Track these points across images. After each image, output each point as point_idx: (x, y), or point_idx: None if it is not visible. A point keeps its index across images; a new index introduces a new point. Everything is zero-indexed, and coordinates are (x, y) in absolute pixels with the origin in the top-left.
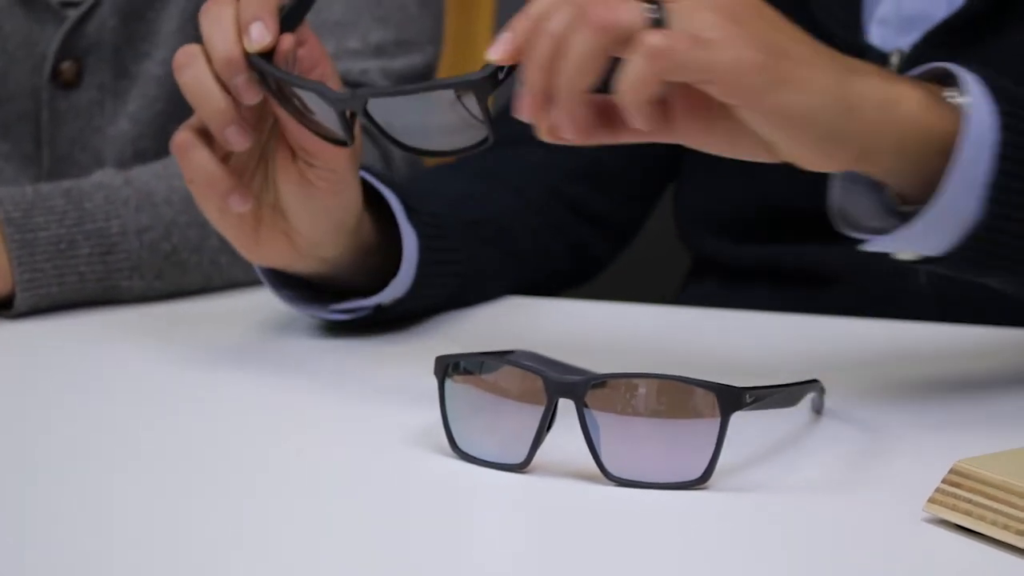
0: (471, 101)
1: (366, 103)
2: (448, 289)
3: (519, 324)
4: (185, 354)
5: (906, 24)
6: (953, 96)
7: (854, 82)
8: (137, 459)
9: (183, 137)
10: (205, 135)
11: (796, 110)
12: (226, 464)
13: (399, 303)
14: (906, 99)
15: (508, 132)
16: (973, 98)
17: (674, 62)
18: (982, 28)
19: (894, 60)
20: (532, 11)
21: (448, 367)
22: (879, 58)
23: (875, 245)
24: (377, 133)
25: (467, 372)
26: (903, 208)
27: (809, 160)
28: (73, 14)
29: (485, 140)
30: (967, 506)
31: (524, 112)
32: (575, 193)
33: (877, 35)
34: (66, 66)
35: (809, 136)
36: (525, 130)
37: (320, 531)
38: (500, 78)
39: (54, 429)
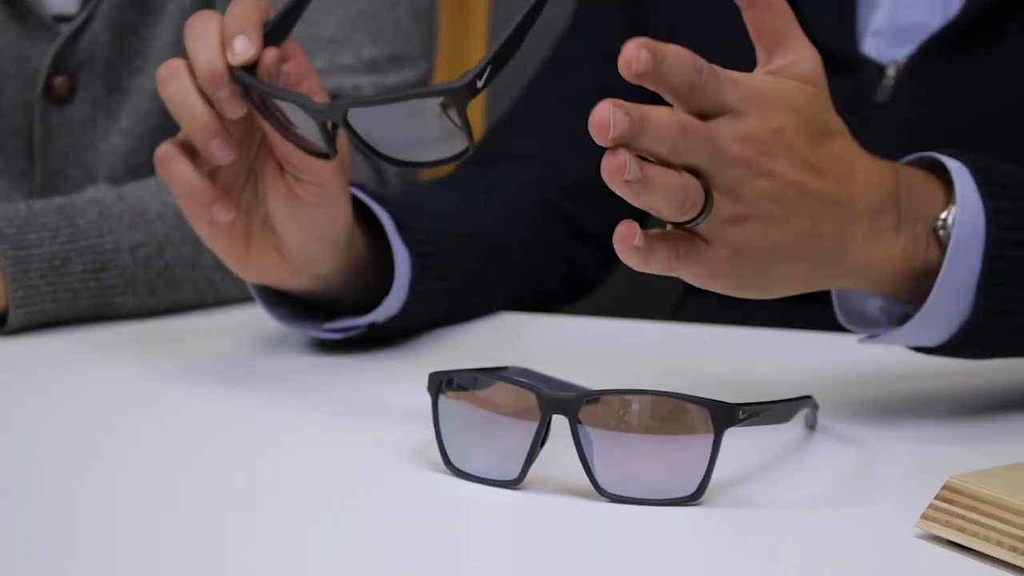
0: (451, 110)
1: (346, 113)
2: (442, 306)
3: (513, 340)
4: (178, 371)
5: (901, 35)
6: (944, 226)
7: (830, 259)
8: (129, 476)
9: (165, 150)
10: (189, 149)
11: (757, 295)
12: (219, 481)
13: (393, 321)
14: (875, 265)
15: (502, 148)
16: (961, 200)
17: (646, 265)
18: (977, 38)
19: (890, 72)
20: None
21: (442, 383)
22: (875, 69)
23: (873, 342)
24: (360, 145)
25: (461, 388)
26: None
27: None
28: (66, 29)
29: (466, 150)
30: (960, 522)
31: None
32: (569, 210)
33: (872, 46)
34: (59, 81)
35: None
36: (519, 146)
37: (313, 548)
38: (479, 86)
39: (47, 446)
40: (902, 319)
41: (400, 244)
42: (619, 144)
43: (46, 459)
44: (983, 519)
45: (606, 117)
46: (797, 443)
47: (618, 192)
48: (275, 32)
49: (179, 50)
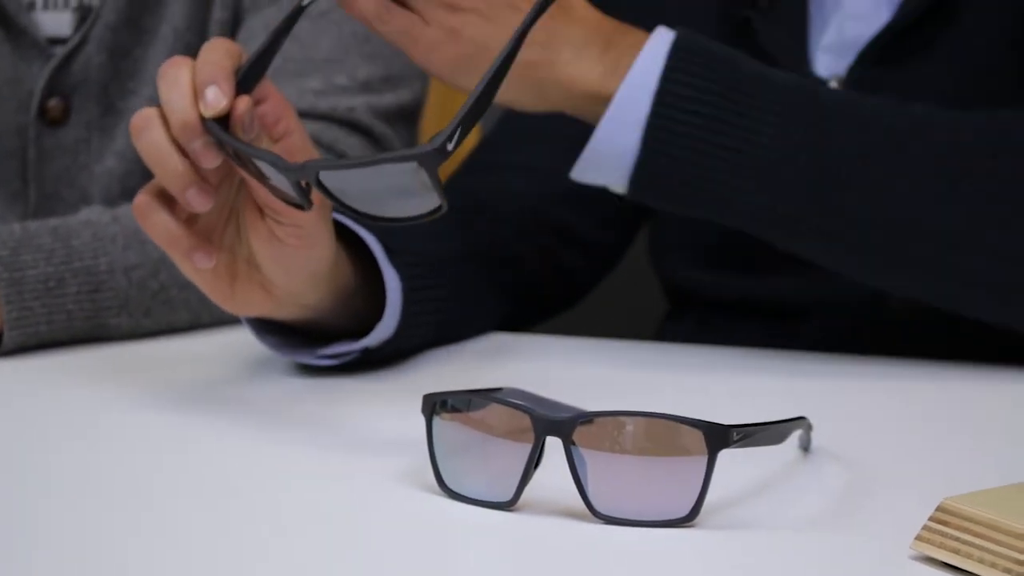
0: (422, 171)
1: (318, 175)
2: (434, 328)
3: (507, 361)
4: (173, 394)
5: (846, 49)
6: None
7: (541, 64)
8: (121, 500)
9: (142, 200)
10: (166, 197)
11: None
12: (212, 505)
13: (386, 344)
14: (579, 80)
15: (491, 159)
16: (647, 51)
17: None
18: (910, 47)
19: (832, 85)
20: None
21: (436, 405)
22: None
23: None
24: (332, 201)
25: (455, 410)
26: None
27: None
28: (60, 51)
29: (439, 208)
30: (954, 544)
31: None
32: (558, 217)
33: (822, 63)
34: (53, 103)
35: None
36: (508, 157)
37: (308, 571)
38: (449, 150)
39: (40, 469)
40: None
41: (390, 269)
42: None
43: (38, 482)
44: (977, 540)
45: None
46: (791, 464)
47: None
48: (248, 76)
49: None
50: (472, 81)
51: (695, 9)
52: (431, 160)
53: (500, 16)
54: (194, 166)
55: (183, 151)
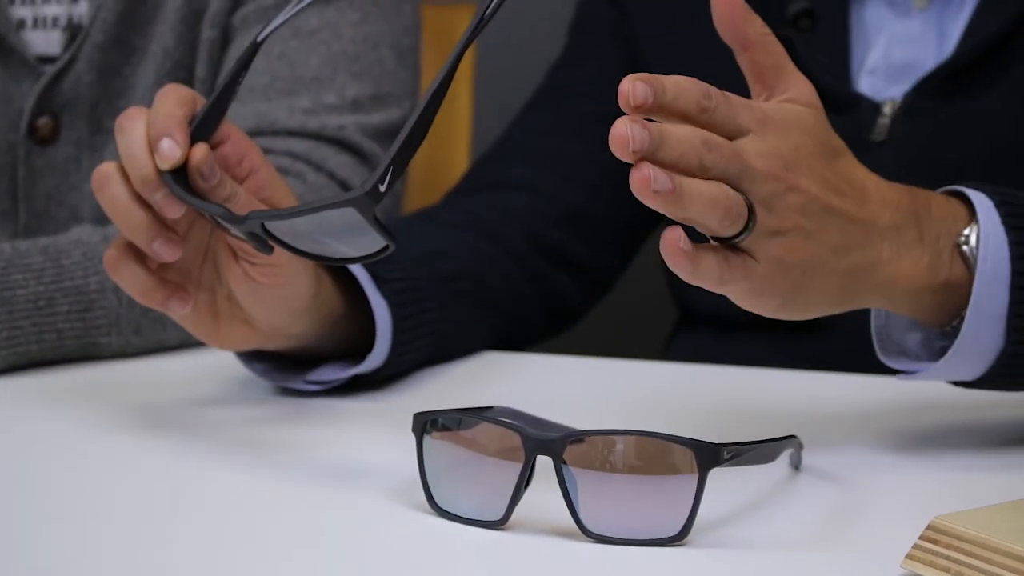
0: (359, 215)
1: (263, 225)
2: (426, 351)
3: (498, 380)
4: (164, 413)
5: (896, 73)
6: (966, 241)
7: (861, 268)
8: (111, 519)
9: (111, 255)
10: (134, 248)
11: (799, 312)
12: (202, 524)
13: (376, 372)
14: (903, 278)
15: (490, 176)
16: (984, 230)
17: (695, 279)
18: (972, 77)
19: (886, 110)
20: (672, 98)
21: (426, 424)
22: (871, 107)
23: (912, 378)
24: (283, 248)
25: (445, 429)
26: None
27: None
28: (50, 70)
29: (386, 248)
30: (944, 562)
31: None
32: (555, 239)
33: (867, 85)
34: (43, 122)
35: (806, 315)
36: (507, 174)
37: None
38: (381, 191)
39: (31, 485)
40: (941, 354)
41: (378, 297)
42: (641, 158)
43: (28, 501)
44: (967, 559)
45: (624, 132)
46: (782, 483)
47: (652, 205)
48: (207, 120)
49: None
50: (796, 310)
51: None
52: (364, 204)
53: (822, 226)
54: (158, 217)
55: (146, 204)
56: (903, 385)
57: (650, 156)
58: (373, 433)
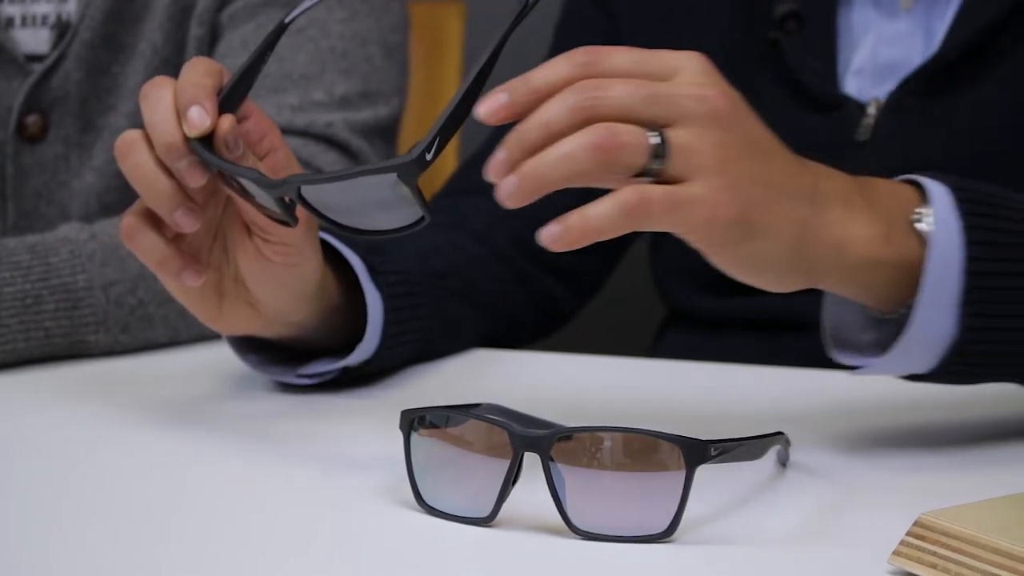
0: (402, 183)
1: (299, 189)
2: (415, 346)
3: (486, 377)
4: (151, 412)
5: (882, 73)
6: (919, 219)
7: (813, 223)
8: (98, 515)
9: (128, 222)
10: (151, 217)
11: (757, 260)
12: (190, 522)
13: (366, 364)
14: (857, 240)
15: (476, 180)
16: (938, 216)
17: (647, 219)
18: (956, 76)
19: (871, 110)
20: (537, 82)
21: (414, 421)
22: (856, 107)
23: (864, 372)
24: (315, 216)
25: (433, 426)
26: (886, 316)
27: (763, 285)
28: (38, 68)
29: (421, 219)
30: (932, 559)
31: (492, 175)
32: (541, 245)
33: (853, 85)
34: (31, 120)
35: (766, 276)
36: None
37: None
38: (428, 159)
39: (18, 483)
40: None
41: (372, 288)
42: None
43: (15, 499)
44: (954, 555)
45: (495, 158)
46: (769, 480)
47: (524, 202)
48: (231, 95)
49: None
50: (755, 264)
51: (715, 28)
52: (409, 171)
53: (759, 150)
54: (181, 187)
55: (169, 172)
56: (891, 383)
57: (547, 139)
58: (360, 430)
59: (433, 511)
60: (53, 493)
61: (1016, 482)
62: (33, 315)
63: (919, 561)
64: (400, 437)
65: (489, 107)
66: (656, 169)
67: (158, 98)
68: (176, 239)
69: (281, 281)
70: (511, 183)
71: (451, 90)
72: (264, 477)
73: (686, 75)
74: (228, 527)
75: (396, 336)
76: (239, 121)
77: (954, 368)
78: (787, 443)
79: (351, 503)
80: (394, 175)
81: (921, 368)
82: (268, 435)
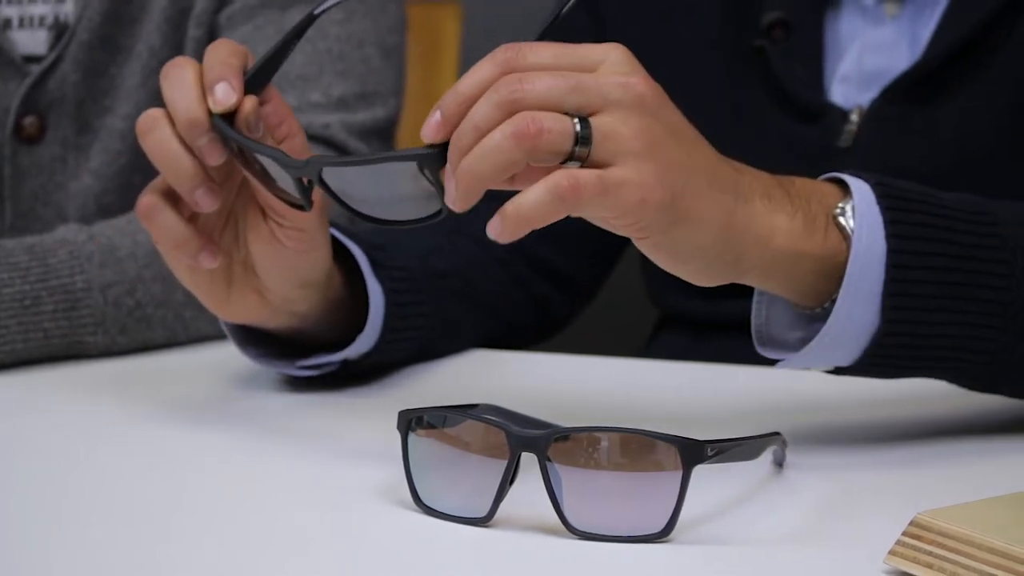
0: (424, 171)
1: (320, 171)
2: (414, 342)
3: (484, 378)
4: (149, 412)
5: (867, 81)
6: (841, 213)
7: (739, 214)
8: (97, 513)
9: (148, 200)
10: (170, 196)
11: (684, 247)
12: (188, 522)
13: (366, 357)
14: (780, 232)
15: None
16: (859, 209)
17: (579, 202)
18: (938, 84)
19: (854, 117)
20: (464, 89)
21: (411, 422)
22: (839, 115)
23: (787, 365)
24: (334, 201)
25: (430, 426)
26: (812, 313)
27: (688, 275)
28: (36, 69)
29: (439, 212)
30: (928, 558)
31: (445, 185)
32: (536, 251)
33: (839, 93)
34: (28, 121)
35: (692, 265)
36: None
37: None
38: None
39: (19, 482)
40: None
41: (375, 282)
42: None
43: (16, 498)
44: (950, 555)
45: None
46: (766, 480)
47: (467, 205)
48: (254, 79)
49: (148, 90)
50: (687, 254)
51: (704, 36)
52: (432, 160)
53: (685, 139)
54: (201, 165)
55: (191, 151)
56: (886, 383)
57: (479, 139)
58: (358, 430)
59: (431, 511)
60: (53, 493)
61: (1012, 482)
62: (32, 316)
63: (915, 561)
64: (397, 437)
65: (427, 127)
66: (582, 154)
67: (180, 76)
68: (190, 221)
69: (292, 266)
70: (451, 188)
71: (447, 90)
72: (262, 477)
73: (609, 65)
74: (226, 527)
75: (397, 331)
76: (260, 104)
77: (876, 360)
78: (783, 443)
79: (349, 503)
80: (415, 164)
81: (844, 360)
82: (266, 435)
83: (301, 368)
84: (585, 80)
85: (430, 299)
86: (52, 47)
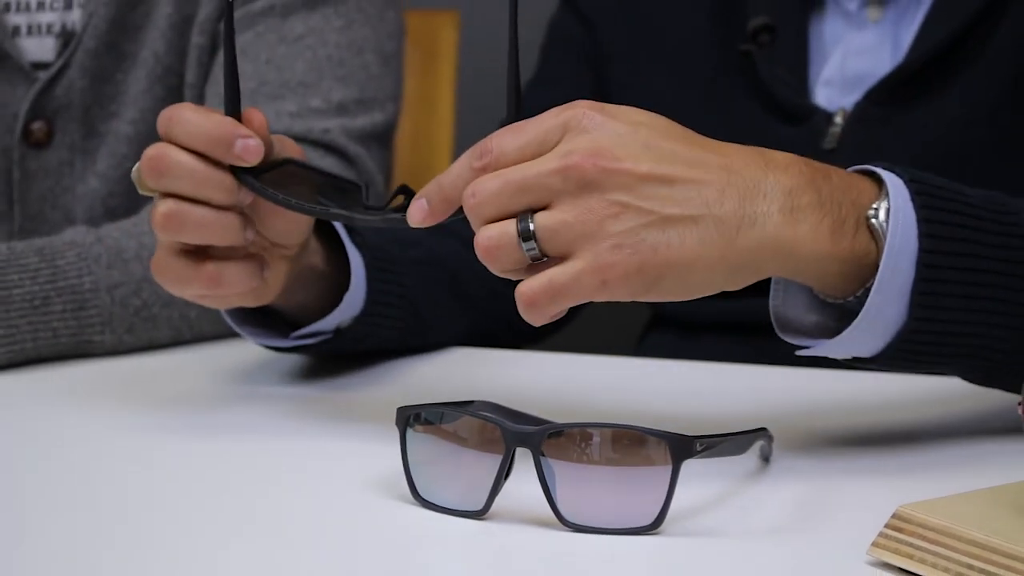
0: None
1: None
2: (402, 311)
3: (479, 375)
4: (154, 409)
5: (850, 84)
6: (876, 213)
7: (739, 241)
8: (101, 510)
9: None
10: (186, 253)
11: (684, 289)
12: (190, 516)
13: (357, 323)
14: (804, 241)
15: None
16: (894, 205)
17: (547, 307)
18: (921, 86)
19: (838, 119)
20: (446, 187)
21: (410, 418)
22: (823, 117)
23: (810, 352)
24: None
25: (428, 422)
26: (832, 300)
27: (710, 293)
28: (44, 76)
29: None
30: (909, 549)
31: None
32: None
33: (823, 96)
34: (37, 126)
35: (707, 291)
36: None
37: None
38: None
39: (29, 478)
40: (836, 334)
41: (353, 248)
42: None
43: (26, 494)
44: (931, 546)
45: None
46: (753, 474)
47: None
48: (231, 100)
49: (153, 96)
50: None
51: (693, 41)
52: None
53: (639, 197)
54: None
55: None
56: (871, 379)
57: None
58: (357, 426)
59: (428, 504)
60: (59, 486)
61: (989, 478)
62: (41, 316)
63: (897, 552)
64: (396, 433)
65: (413, 213)
66: (537, 250)
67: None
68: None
69: (268, 226)
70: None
71: (446, 95)
72: (263, 472)
73: (562, 143)
74: (227, 522)
75: (381, 294)
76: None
77: (899, 354)
78: (770, 439)
79: (347, 496)
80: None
81: (866, 352)
82: (267, 431)
83: (294, 339)
84: (529, 177)
85: (411, 276)
86: (59, 54)
